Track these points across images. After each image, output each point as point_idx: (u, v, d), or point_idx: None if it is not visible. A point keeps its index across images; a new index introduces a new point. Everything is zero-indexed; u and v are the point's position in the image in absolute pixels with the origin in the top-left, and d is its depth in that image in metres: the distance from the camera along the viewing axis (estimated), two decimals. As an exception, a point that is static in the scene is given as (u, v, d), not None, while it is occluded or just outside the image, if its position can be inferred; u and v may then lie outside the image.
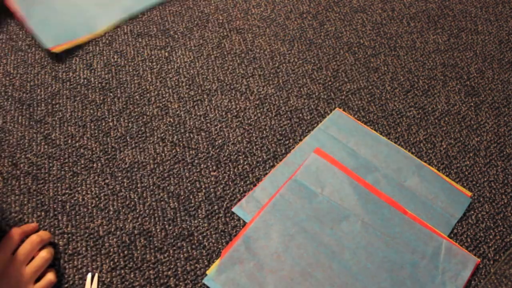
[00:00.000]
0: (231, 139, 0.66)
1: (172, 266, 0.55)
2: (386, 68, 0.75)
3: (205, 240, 0.57)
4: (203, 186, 0.61)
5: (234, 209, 0.59)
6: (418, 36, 0.79)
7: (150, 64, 0.73)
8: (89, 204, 0.59)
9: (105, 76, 0.71)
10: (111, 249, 0.56)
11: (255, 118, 0.68)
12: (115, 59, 0.73)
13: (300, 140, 0.66)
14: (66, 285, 0.54)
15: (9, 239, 0.52)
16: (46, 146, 0.64)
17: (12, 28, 0.76)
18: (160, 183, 0.61)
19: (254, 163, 0.64)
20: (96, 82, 0.71)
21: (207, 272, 0.55)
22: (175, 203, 0.60)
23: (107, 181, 0.61)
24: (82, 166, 0.62)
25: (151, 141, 0.65)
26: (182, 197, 0.60)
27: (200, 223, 0.58)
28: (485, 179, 0.64)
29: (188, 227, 0.58)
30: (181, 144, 0.65)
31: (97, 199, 0.60)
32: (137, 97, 0.69)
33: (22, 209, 0.59)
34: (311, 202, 0.60)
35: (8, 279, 0.49)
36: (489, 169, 0.65)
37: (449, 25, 0.82)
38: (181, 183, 0.61)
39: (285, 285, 0.54)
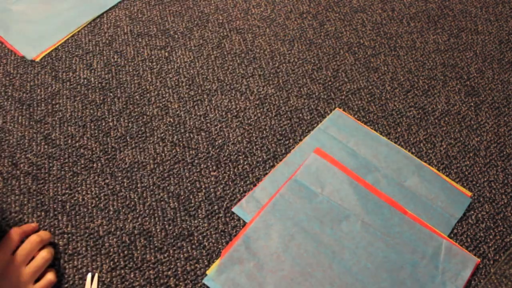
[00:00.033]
0: (231, 139, 0.66)
1: (172, 266, 0.55)
2: (386, 68, 0.75)
3: (205, 240, 0.57)
4: (203, 186, 0.61)
5: (234, 209, 0.59)
6: (418, 36, 0.79)
7: (150, 64, 0.73)
8: (89, 204, 0.59)
9: (105, 76, 0.71)
10: (111, 249, 0.56)
11: (255, 118, 0.68)
12: (115, 59, 0.73)
13: (300, 140, 0.66)
14: (66, 285, 0.54)
15: (9, 239, 0.52)
16: (46, 146, 0.64)
17: (12, 28, 0.76)
18: (160, 183, 0.61)
19: (254, 163, 0.64)
20: (96, 82, 0.71)
21: (207, 272, 0.55)
22: (175, 203, 0.60)
23: (107, 181, 0.61)
24: (82, 166, 0.62)
25: (151, 141, 0.65)
26: (182, 197, 0.60)
27: (200, 223, 0.58)
28: (485, 179, 0.64)
29: (188, 227, 0.58)
30: (181, 144, 0.65)
31: (97, 199, 0.60)
32: (137, 97, 0.69)
33: (22, 209, 0.59)
34: (311, 202, 0.60)
35: (8, 279, 0.49)
36: (489, 169, 0.65)
37: (449, 25, 0.82)
38: (181, 183, 0.61)
39: (285, 285, 0.54)
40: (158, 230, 0.58)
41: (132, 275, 0.55)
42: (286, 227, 0.58)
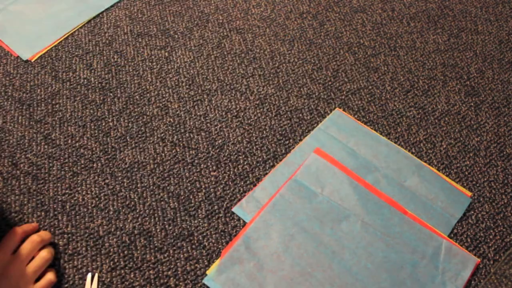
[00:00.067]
0: (231, 139, 0.66)
1: (172, 266, 0.55)
2: (386, 68, 0.75)
3: (205, 240, 0.57)
4: (203, 186, 0.61)
5: (234, 209, 0.59)
6: (418, 36, 0.79)
7: (150, 64, 0.73)
8: (89, 204, 0.59)
9: (105, 76, 0.71)
10: (111, 249, 0.56)
11: (255, 118, 0.68)
12: (115, 59, 0.73)
13: (300, 140, 0.66)
14: (66, 285, 0.54)
15: (10, 238, 0.52)
16: (46, 146, 0.64)
17: (12, 28, 0.76)
18: (160, 183, 0.61)
19: (254, 163, 0.64)
20: (96, 82, 0.71)
21: (207, 272, 0.55)
22: (175, 203, 0.60)
23: (107, 181, 0.61)
24: (82, 166, 0.62)
25: (151, 141, 0.65)
26: (182, 197, 0.60)
27: (200, 223, 0.58)
28: (485, 179, 0.64)
29: (188, 227, 0.58)
30: (181, 144, 0.65)
31: (97, 199, 0.60)
32: (137, 97, 0.69)
33: (22, 209, 0.59)
34: (311, 202, 0.60)
35: (8, 278, 0.49)
36: (489, 169, 0.65)
37: (449, 25, 0.82)
38: (181, 183, 0.61)
39: (285, 285, 0.54)
40: (158, 230, 0.58)
41: (132, 275, 0.55)
42: (286, 227, 0.58)
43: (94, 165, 0.62)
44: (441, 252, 0.57)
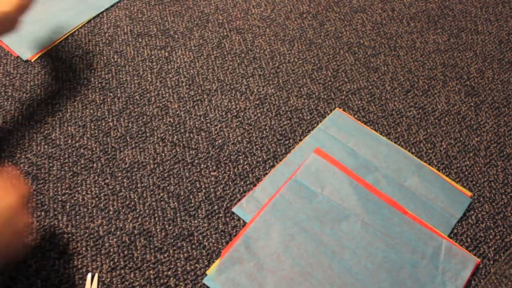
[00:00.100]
0: (231, 139, 0.66)
1: (172, 266, 0.55)
2: (386, 68, 0.75)
3: (205, 240, 0.57)
4: (203, 186, 0.61)
5: (234, 209, 0.59)
6: (418, 36, 0.79)
7: (150, 64, 0.73)
8: (89, 204, 0.59)
9: (105, 76, 0.71)
10: (111, 249, 0.56)
11: (255, 118, 0.68)
12: (115, 59, 0.73)
13: (300, 140, 0.66)
14: (66, 285, 0.54)
15: None
16: (46, 146, 0.64)
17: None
18: (160, 183, 0.61)
19: (254, 163, 0.64)
20: (96, 82, 0.71)
21: (207, 272, 0.55)
22: (175, 203, 0.60)
23: (107, 181, 0.61)
24: (82, 166, 0.62)
25: (151, 141, 0.65)
26: (182, 197, 0.60)
27: (200, 223, 0.58)
28: (485, 179, 0.64)
29: (188, 227, 0.58)
30: (181, 144, 0.65)
31: (97, 199, 0.60)
32: (137, 97, 0.69)
33: (22, 209, 0.59)
34: (311, 202, 0.60)
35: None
36: (489, 169, 0.65)
37: (449, 25, 0.82)
38: (181, 183, 0.61)
39: (285, 285, 0.54)
40: (158, 230, 0.58)
41: (132, 275, 0.55)
42: (286, 227, 0.58)
43: (94, 165, 0.62)
44: (441, 252, 0.57)
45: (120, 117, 0.67)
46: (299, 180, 0.61)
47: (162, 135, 0.66)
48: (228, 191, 0.61)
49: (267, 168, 0.63)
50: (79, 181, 0.61)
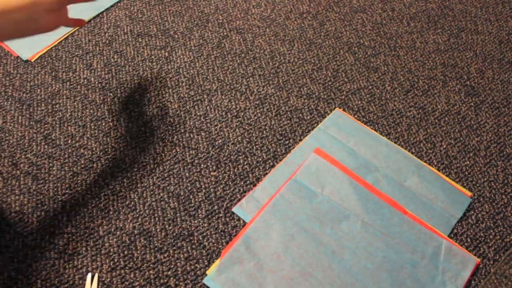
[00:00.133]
0: (231, 139, 0.66)
1: (172, 266, 0.55)
2: (386, 68, 0.75)
3: (205, 240, 0.57)
4: (203, 186, 0.61)
5: (234, 209, 0.59)
6: (418, 36, 0.79)
7: (150, 64, 0.73)
8: (89, 204, 0.59)
9: (105, 76, 0.71)
10: (111, 249, 0.56)
11: (255, 118, 0.68)
12: (115, 59, 0.73)
13: (300, 140, 0.66)
14: (66, 285, 0.54)
15: None
16: (46, 146, 0.64)
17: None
18: (160, 183, 0.61)
19: (254, 163, 0.64)
20: (96, 82, 0.71)
21: (207, 272, 0.55)
22: (175, 203, 0.60)
23: (107, 181, 0.61)
24: (82, 166, 0.62)
25: (151, 141, 0.65)
26: (182, 197, 0.60)
27: (200, 223, 0.58)
28: (485, 179, 0.64)
29: (188, 227, 0.58)
30: (181, 144, 0.65)
31: (97, 199, 0.60)
32: (137, 97, 0.69)
33: (22, 209, 0.59)
34: (311, 202, 0.60)
35: None
36: (489, 169, 0.65)
37: (449, 25, 0.82)
38: (181, 183, 0.61)
39: (285, 285, 0.54)
40: (158, 230, 0.58)
41: (132, 275, 0.55)
42: (286, 227, 0.58)
43: (94, 165, 0.62)
44: (441, 252, 0.57)
45: (120, 117, 0.67)
46: (299, 180, 0.61)
47: (162, 135, 0.66)
48: (228, 191, 0.61)
49: (267, 168, 0.63)
50: (79, 181, 0.61)
